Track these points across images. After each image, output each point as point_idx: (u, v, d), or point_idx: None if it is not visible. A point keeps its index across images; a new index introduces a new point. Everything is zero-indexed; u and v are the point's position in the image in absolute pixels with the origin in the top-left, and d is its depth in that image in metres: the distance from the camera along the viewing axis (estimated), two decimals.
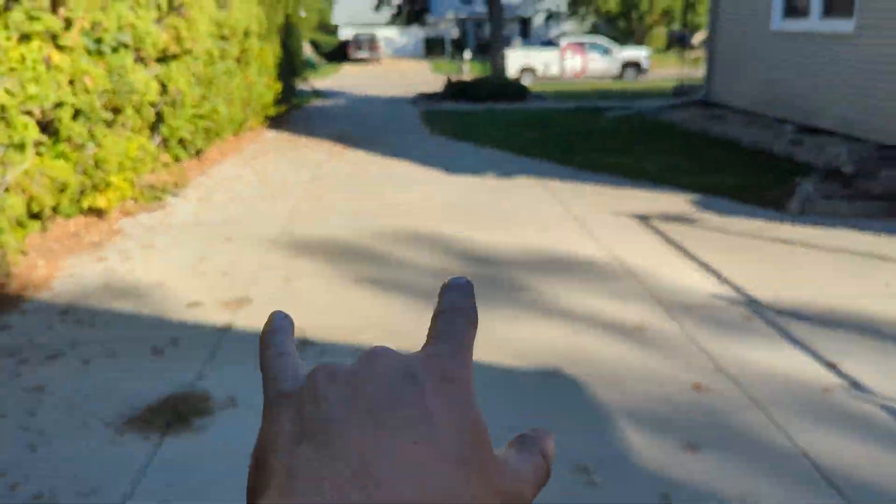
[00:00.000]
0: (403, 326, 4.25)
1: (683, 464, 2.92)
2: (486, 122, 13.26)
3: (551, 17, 41.98)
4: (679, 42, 18.40)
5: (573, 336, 4.10)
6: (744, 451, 3.01)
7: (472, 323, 0.36)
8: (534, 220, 6.54)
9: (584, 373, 3.66)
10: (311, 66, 21.62)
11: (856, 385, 3.51)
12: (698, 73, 16.82)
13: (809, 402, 3.38)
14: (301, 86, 17.62)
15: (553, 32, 40.38)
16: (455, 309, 0.36)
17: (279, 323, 0.39)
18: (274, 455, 0.30)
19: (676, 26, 37.02)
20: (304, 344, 4.02)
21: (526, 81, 21.96)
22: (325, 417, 0.30)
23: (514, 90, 17.77)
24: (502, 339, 4.07)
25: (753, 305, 4.49)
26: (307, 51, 23.80)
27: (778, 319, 4.27)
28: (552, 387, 3.57)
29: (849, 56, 8.62)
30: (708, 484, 2.80)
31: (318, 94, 19.37)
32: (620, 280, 4.98)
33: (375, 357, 0.33)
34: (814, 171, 7.68)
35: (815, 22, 9.34)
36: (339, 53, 40.33)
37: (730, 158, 8.89)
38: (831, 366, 3.69)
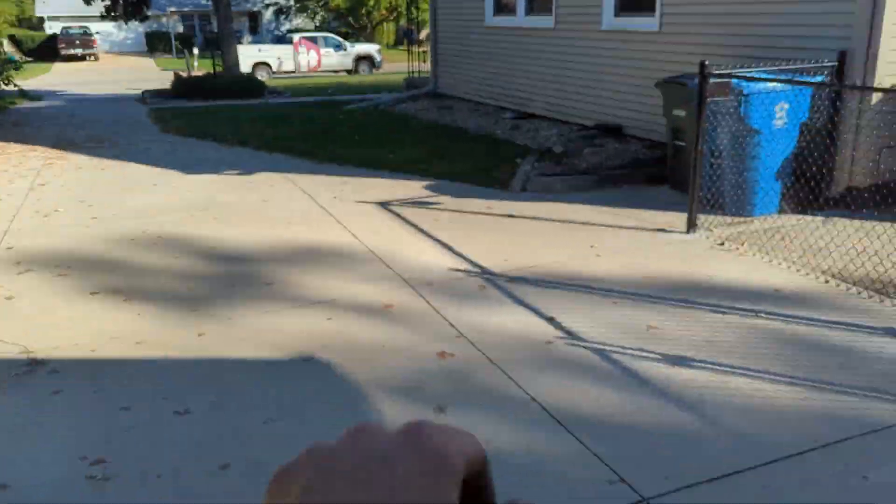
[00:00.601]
0: (154, 335, 4.05)
1: None
2: (223, 120, 12.84)
3: (280, 11, 41.46)
4: (406, 37, 19.25)
5: (326, 322, 4.23)
6: (485, 405, 3.36)
7: (483, 450, 0.36)
8: (281, 215, 6.54)
9: (338, 355, 3.80)
10: (12, 63, 19.11)
11: (571, 335, 4.06)
12: (427, 66, 17.74)
13: (536, 354, 3.85)
14: (4, 87, 15.58)
15: (284, 28, 39.94)
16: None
17: None
18: None
19: (404, 22, 38.57)
20: (35, 364, 3.67)
21: (261, 77, 21.55)
22: None
23: (250, 86, 17.37)
24: (257, 332, 4.07)
25: (487, 275, 4.96)
26: (7, 48, 21.03)
27: (507, 286, 4.77)
28: (308, 372, 3.66)
29: (550, 49, 9.72)
30: None
31: (25, 95, 17.26)
32: (368, 264, 5.20)
33: (358, 435, 0.34)
34: (531, 152, 8.57)
35: (521, 18, 10.37)
36: (48, 50, 36.18)
37: (460, 145, 9.57)
38: (551, 320, 4.23)
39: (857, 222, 5.70)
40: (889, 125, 5.87)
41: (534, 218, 6.32)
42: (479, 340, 3.98)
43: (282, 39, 27.18)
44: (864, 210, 5.88)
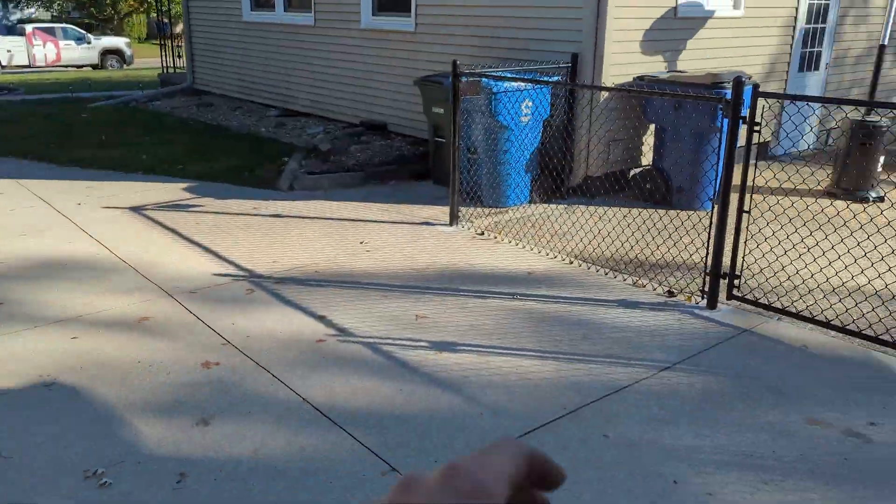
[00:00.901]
0: None
1: (198, 439, 3.02)
2: None
3: None
4: (159, 30, 18.03)
5: (71, 342, 3.82)
6: (255, 412, 3.25)
7: (523, 455, 0.39)
8: (13, 226, 5.80)
9: (86, 377, 3.46)
10: None
11: (343, 331, 4.07)
12: (184, 61, 16.75)
13: (307, 354, 3.80)
14: None
15: (14, 17, 35.52)
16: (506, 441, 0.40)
17: None
18: None
19: (155, 14, 36.08)
20: None
21: None
22: None
23: None
24: None
25: (254, 278, 4.80)
26: None
27: (276, 287, 4.65)
28: (50, 399, 3.28)
29: (312, 46, 9.64)
30: (221, 450, 2.95)
31: None
32: (120, 275, 4.79)
33: (402, 490, 0.36)
34: (298, 150, 8.45)
35: (280, 14, 10.16)
36: None
37: (223, 144, 9.17)
38: (322, 318, 4.20)
39: (592, 208, 6.35)
40: (614, 121, 6.61)
41: (302, 217, 6.24)
42: (246, 346, 3.84)
43: (12, 30, 24.16)
44: (598, 197, 6.57)
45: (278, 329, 4.06)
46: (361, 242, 5.57)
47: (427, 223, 6.05)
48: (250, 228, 5.90)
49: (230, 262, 5.09)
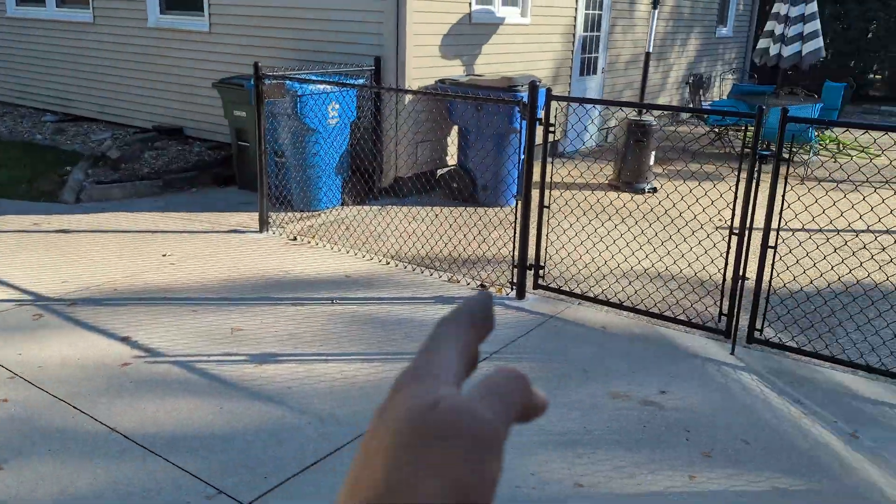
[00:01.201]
0: None
1: None
2: None
3: None
4: None
5: None
6: (56, 449, 2.94)
7: (465, 324, 0.36)
8: None
9: None
10: None
11: (151, 352, 3.80)
12: None
13: (112, 380, 3.50)
14: None
15: None
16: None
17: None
18: None
19: None
20: None
21: None
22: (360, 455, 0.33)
23: None
24: None
25: (42, 302, 4.34)
26: None
27: (69, 310, 4.24)
28: None
29: (93, 45, 8.87)
30: (20, 496, 2.64)
31: None
32: None
33: (398, 392, 0.33)
34: (83, 158, 7.74)
35: (52, 10, 9.24)
36: None
37: None
38: (126, 340, 3.89)
39: (405, 208, 6.47)
40: (421, 123, 6.78)
41: (94, 231, 5.73)
42: (39, 378, 3.46)
43: None
44: (409, 197, 6.71)
45: (76, 356, 3.70)
46: (164, 255, 5.24)
47: (235, 231, 5.82)
48: (32, 246, 5.32)
49: (10, 286, 4.56)
